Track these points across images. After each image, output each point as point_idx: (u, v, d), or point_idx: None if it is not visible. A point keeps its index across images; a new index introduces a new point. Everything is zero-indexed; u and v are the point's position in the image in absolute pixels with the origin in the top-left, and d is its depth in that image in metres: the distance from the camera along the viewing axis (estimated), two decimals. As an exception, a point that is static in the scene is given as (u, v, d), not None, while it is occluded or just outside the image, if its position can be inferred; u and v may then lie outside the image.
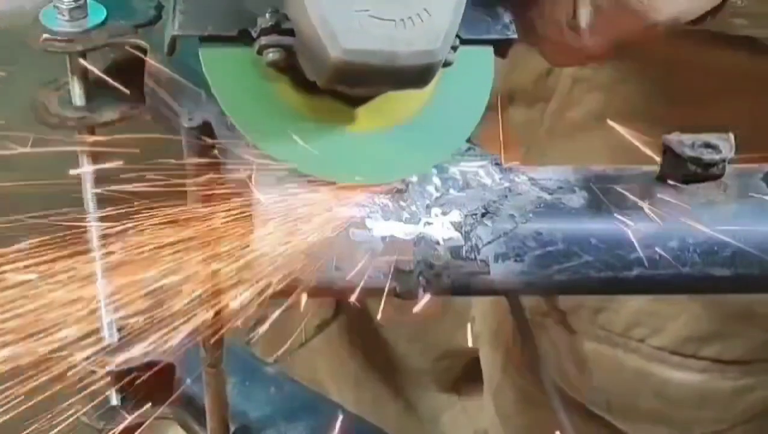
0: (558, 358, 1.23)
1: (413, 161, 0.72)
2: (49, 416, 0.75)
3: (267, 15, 0.69)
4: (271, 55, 0.70)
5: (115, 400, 1.03)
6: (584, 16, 0.79)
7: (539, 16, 0.81)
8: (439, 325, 1.47)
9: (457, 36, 0.72)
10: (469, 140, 0.76)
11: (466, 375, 1.56)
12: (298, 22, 0.67)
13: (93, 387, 0.82)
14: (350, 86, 0.69)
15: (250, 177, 0.70)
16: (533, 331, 1.24)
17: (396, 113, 0.73)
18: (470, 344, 1.39)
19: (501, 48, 0.76)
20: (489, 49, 0.76)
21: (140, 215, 0.70)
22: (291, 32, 0.69)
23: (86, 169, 0.87)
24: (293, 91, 0.71)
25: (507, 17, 0.77)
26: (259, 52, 0.70)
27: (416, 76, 0.68)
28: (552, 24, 0.80)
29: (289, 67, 0.70)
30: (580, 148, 1.10)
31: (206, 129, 0.74)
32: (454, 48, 0.72)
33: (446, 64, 0.71)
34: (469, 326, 1.37)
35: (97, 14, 0.85)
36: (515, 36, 0.76)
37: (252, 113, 0.71)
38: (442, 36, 0.67)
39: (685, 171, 0.72)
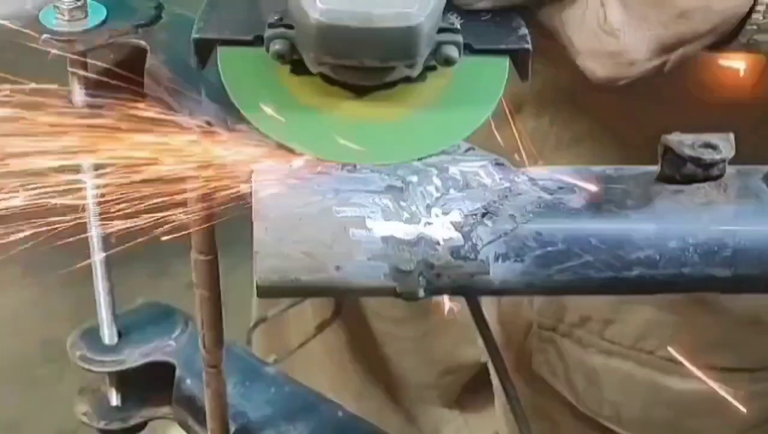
0: (567, 372, 1.23)
1: (401, 151, 0.74)
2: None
3: (274, 14, 0.73)
4: (277, 46, 0.73)
5: (115, 400, 1.04)
6: (615, 15, 0.78)
7: (574, 31, 0.80)
8: (444, 339, 1.47)
9: (467, 45, 0.75)
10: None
11: (469, 389, 1.55)
12: None
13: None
14: (336, 56, 0.72)
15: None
16: (539, 345, 1.25)
17: (401, 107, 0.75)
18: (480, 358, 1.39)
19: (520, 61, 0.77)
20: (504, 60, 0.77)
21: None
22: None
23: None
24: (298, 82, 0.75)
25: (523, 30, 0.78)
26: (267, 47, 0.73)
27: (395, 40, 0.70)
28: (587, 32, 0.79)
29: (294, 61, 0.74)
30: (589, 157, 1.09)
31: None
32: (457, 45, 0.73)
33: (450, 62, 0.73)
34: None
35: (97, 14, 0.85)
36: (529, 47, 0.77)
37: (259, 100, 0.74)
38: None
39: (685, 171, 0.72)
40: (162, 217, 0.73)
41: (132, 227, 0.73)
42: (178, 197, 0.73)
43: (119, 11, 0.86)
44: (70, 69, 0.85)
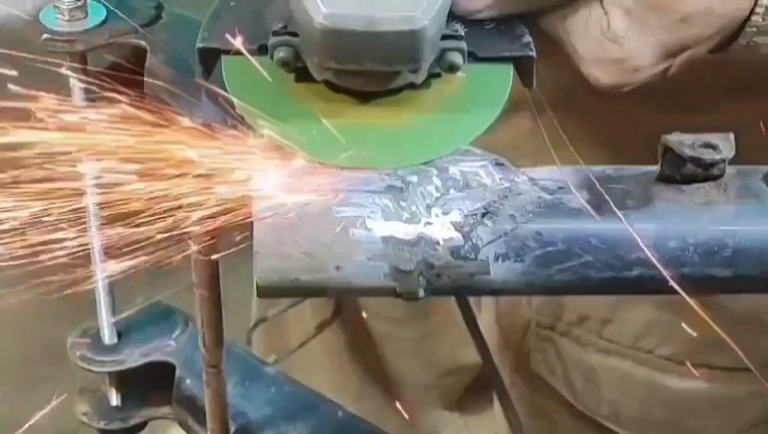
0: (565, 370, 1.23)
1: (404, 155, 0.74)
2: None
3: (278, 22, 0.74)
4: (281, 53, 0.73)
5: (115, 400, 1.03)
6: (618, 22, 0.78)
7: (578, 39, 0.80)
8: (444, 340, 1.47)
9: (471, 53, 0.75)
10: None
11: (470, 391, 1.55)
12: (293, 4, 0.72)
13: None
14: (340, 60, 0.72)
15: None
16: (538, 343, 1.25)
17: (405, 113, 0.75)
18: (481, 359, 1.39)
19: (524, 68, 0.78)
20: (509, 67, 0.78)
21: None
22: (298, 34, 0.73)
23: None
24: (303, 90, 0.75)
25: (526, 38, 0.78)
26: (271, 54, 0.73)
27: (399, 44, 0.71)
28: (591, 39, 0.79)
29: (299, 69, 0.74)
30: (588, 157, 1.09)
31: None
32: (461, 52, 0.74)
33: (454, 68, 0.74)
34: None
35: (97, 14, 0.85)
36: (533, 54, 0.77)
37: (264, 108, 0.74)
38: (423, 3, 0.70)
39: (685, 171, 0.72)
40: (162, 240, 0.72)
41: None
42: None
43: (119, 11, 0.86)
44: (70, 69, 0.85)
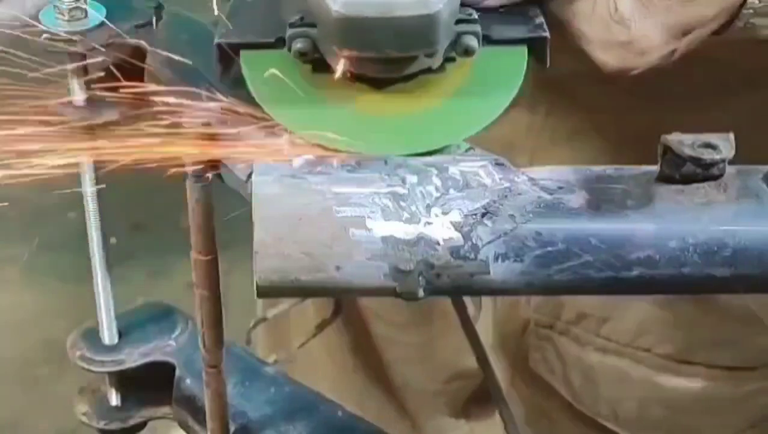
0: (564, 369, 1.23)
1: (427, 140, 0.75)
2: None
3: (295, 15, 0.76)
4: (299, 44, 0.75)
5: (114, 400, 1.04)
6: (625, 4, 0.79)
7: (585, 23, 0.81)
8: (447, 345, 1.47)
9: (486, 36, 0.77)
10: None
11: (475, 397, 1.55)
12: None
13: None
14: (358, 48, 0.73)
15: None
16: (536, 342, 1.25)
17: (423, 98, 0.77)
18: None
19: (537, 50, 0.79)
20: (522, 49, 0.79)
21: None
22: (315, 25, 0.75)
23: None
24: (320, 79, 0.77)
25: (539, 19, 0.80)
26: (289, 46, 0.75)
27: (415, 28, 0.72)
28: (598, 23, 0.80)
29: (316, 60, 0.76)
30: (587, 150, 1.09)
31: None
32: (476, 35, 0.75)
33: (469, 52, 0.75)
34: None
35: (97, 14, 0.85)
36: (547, 34, 0.79)
37: (279, 95, 0.76)
38: None
39: (685, 171, 0.72)
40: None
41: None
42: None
43: (119, 11, 0.86)
44: (69, 69, 0.85)
